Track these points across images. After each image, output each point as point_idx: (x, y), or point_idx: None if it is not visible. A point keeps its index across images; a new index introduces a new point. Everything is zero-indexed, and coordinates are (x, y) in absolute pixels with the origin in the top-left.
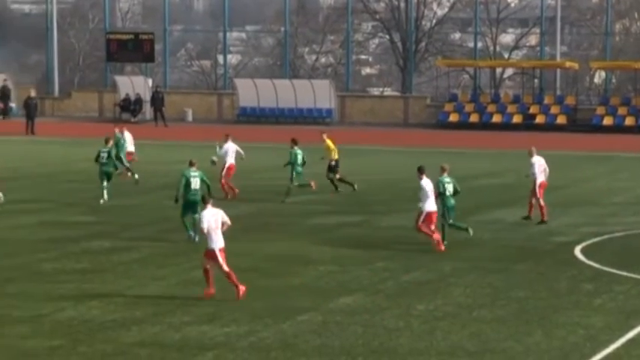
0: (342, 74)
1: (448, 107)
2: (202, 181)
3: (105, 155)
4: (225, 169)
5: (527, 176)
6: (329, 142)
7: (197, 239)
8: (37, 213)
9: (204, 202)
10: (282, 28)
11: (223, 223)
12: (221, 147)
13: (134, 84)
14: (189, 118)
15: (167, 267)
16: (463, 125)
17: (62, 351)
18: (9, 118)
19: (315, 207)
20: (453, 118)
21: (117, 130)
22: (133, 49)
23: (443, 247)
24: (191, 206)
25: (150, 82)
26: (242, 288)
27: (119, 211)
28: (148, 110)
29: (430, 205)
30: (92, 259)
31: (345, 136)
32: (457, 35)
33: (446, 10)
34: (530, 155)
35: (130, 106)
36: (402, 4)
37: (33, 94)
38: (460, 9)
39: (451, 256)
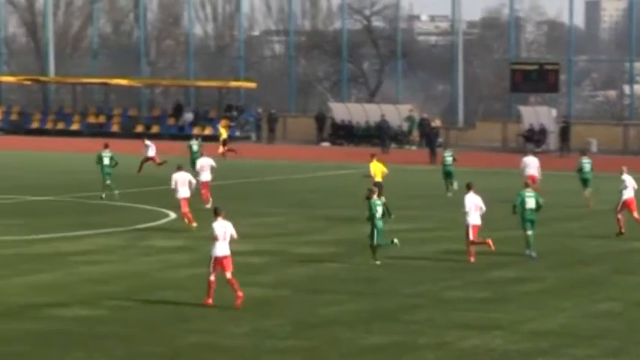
0: None
1: None
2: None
3: None
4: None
5: None
6: (377, 163)
7: (534, 255)
8: (439, 242)
9: (216, 214)
10: None
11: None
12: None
13: (538, 114)
14: (594, 148)
15: (571, 298)
16: None
17: None
18: (410, 148)
19: None
20: None
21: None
22: (537, 80)
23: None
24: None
25: (554, 112)
26: (240, 294)
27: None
28: (552, 141)
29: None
30: (495, 289)
31: None
32: None
33: None
34: None
35: (534, 137)
36: None
37: (437, 123)
38: None
39: None
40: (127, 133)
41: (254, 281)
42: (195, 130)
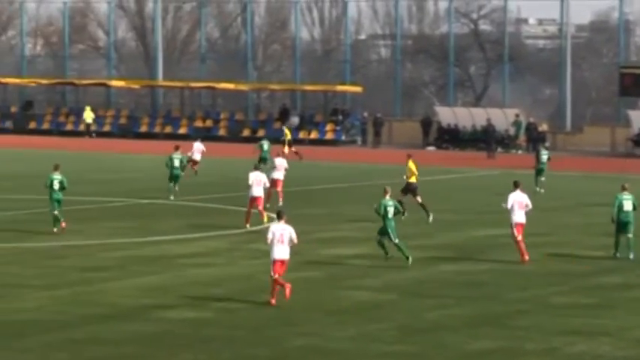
0: None
1: None
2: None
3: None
4: None
5: None
6: (411, 164)
7: (632, 256)
8: (545, 246)
9: (278, 217)
10: None
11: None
12: None
13: None
14: None
15: None
16: None
17: None
18: (516, 152)
19: None
20: None
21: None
22: None
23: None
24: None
25: None
26: (288, 285)
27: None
28: None
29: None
30: (602, 294)
31: None
32: None
33: None
34: None
35: None
36: None
37: (544, 128)
38: None
39: None
40: (234, 137)
41: (360, 285)
42: (301, 134)
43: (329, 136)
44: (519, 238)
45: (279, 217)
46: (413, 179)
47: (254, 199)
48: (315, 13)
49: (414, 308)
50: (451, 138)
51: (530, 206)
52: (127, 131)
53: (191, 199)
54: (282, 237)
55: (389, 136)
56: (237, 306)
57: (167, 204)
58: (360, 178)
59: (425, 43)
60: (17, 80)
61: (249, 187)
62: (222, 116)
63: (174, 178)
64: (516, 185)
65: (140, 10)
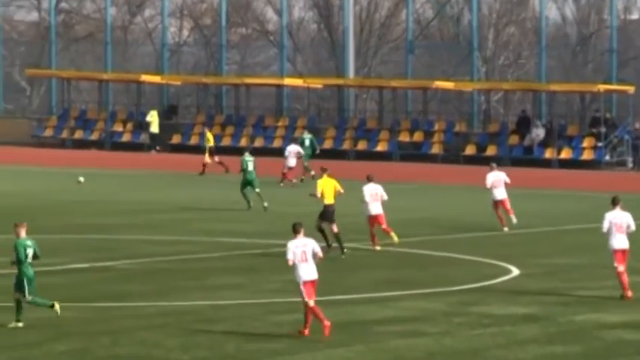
0: None
1: None
2: None
3: None
4: None
5: None
6: None
7: None
8: None
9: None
10: None
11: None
12: None
13: None
14: None
15: None
16: None
17: None
18: None
19: None
20: None
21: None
22: None
23: None
24: None
25: None
26: (327, 324)
27: None
28: None
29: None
30: None
31: None
32: None
33: None
34: None
35: None
36: None
37: None
38: None
39: None
40: (452, 156)
41: None
42: (547, 153)
43: (586, 155)
44: (618, 268)
45: (296, 231)
46: (330, 200)
47: (373, 218)
48: None
49: None
50: None
51: (633, 228)
52: None
53: (391, 242)
54: (304, 254)
55: None
56: None
57: (361, 250)
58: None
59: None
60: (156, 78)
61: (364, 203)
62: (435, 127)
63: (248, 183)
64: (615, 203)
65: None
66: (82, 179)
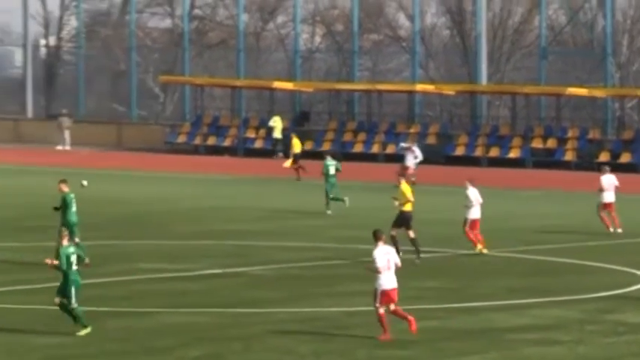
0: None
1: None
2: None
3: None
4: None
5: None
6: None
7: None
8: None
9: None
10: None
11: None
12: None
13: None
14: None
15: None
16: None
17: None
18: None
19: None
20: None
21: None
22: None
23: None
24: None
25: None
26: (411, 318)
27: None
28: None
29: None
30: None
31: None
32: None
33: None
34: None
35: None
36: None
37: None
38: None
39: None
40: (584, 163)
41: None
42: None
43: None
44: None
45: (379, 238)
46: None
47: (473, 223)
48: None
49: None
50: None
51: None
52: (437, 154)
53: (527, 250)
54: (388, 262)
55: None
56: None
57: (492, 255)
58: None
59: None
60: (288, 84)
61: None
62: (569, 134)
63: (330, 187)
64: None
65: None
66: (85, 183)
